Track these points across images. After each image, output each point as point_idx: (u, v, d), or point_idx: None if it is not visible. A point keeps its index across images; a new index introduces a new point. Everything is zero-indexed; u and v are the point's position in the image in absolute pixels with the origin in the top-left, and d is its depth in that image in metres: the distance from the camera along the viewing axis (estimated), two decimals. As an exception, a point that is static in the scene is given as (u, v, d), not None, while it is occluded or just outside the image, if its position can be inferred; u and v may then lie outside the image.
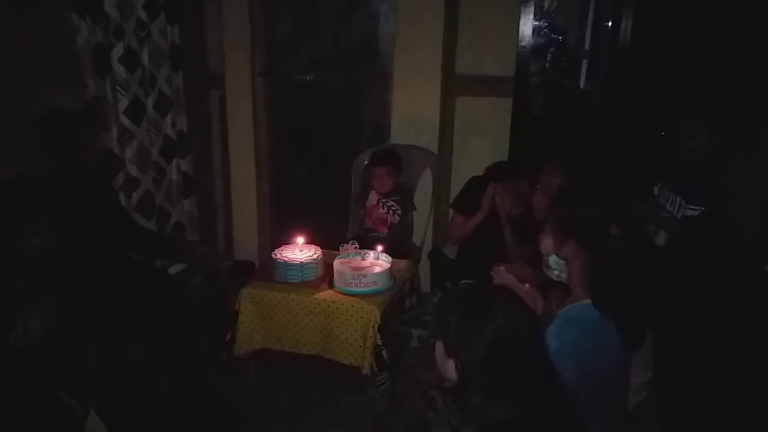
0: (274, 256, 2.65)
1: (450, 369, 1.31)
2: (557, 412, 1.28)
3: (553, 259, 2.10)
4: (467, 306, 1.33)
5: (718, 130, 2.49)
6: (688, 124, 2.54)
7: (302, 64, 3.70)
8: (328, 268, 2.60)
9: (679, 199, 2.51)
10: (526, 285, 2.01)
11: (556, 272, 2.12)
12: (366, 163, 3.25)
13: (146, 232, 2.97)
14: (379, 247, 2.67)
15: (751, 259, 2.56)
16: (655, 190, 2.68)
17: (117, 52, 2.84)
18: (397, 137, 3.42)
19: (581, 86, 3.75)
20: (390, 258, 2.62)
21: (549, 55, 3.49)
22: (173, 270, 2.90)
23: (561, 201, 2.11)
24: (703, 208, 2.43)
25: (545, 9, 3.23)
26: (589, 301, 1.67)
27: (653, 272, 1.73)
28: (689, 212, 2.45)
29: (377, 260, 2.61)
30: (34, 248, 1.92)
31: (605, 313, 1.62)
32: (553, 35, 3.46)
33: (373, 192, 3.17)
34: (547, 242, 1.96)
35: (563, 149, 3.44)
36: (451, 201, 3.21)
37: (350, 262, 2.59)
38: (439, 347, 1.34)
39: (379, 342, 2.41)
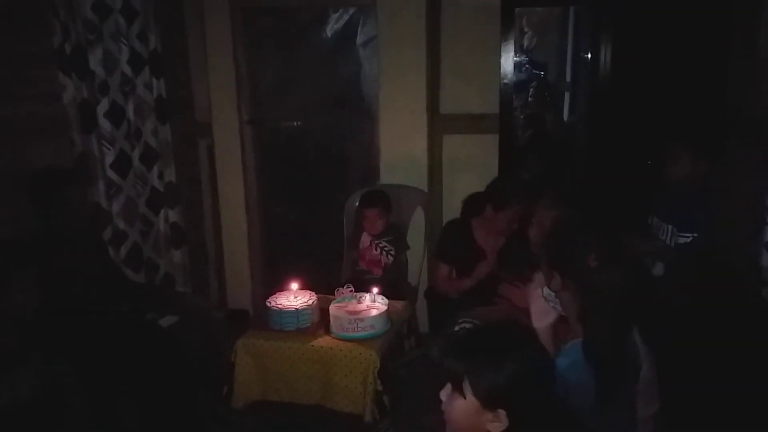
0: (268, 303, 2.60)
1: (484, 424, 1.26)
2: None
3: (546, 291, 2.12)
4: (486, 343, 1.31)
5: (701, 156, 2.52)
6: (672, 151, 2.58)
7: (289, 111, 3.73)
8: (324, 313, 2.56)
9: (670, 227, 2.53)
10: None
11: (551, 303, 2.13)
12: (356, 205, 3.25)
13: (138, 286, 2.93)
14: (375, 289, 2.64)
15: (746, 284, 2.56)
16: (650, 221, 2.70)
17: (102, 107, 2.85)
18: (386, 178, 3.44)
19: (565, 119, 3.82)
20: (386, 300, 2.59)
21: (531, 90, 3.55)
22: (165, 322, 2.85)
23: (549, 234, 2.13)
24: (695, 235, 2.44)
25: (525, 46, 3.31)
26: None
27: (645, 307, 1.71)
28: (681, 240, 2.46)
29: (373, 303, 2.58)
30: (21, 307, 1.89)
31: (591, 359, 1.60)
32: (534, 70, 3.53)
33: (365, 233, 3.15)
34: (540, 275, 1.97)
35: (551, 182, 3.47)
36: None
37: (346, 307, 2.56)
38: (465, 405, 1.27)
39: (380, 388, 2.36)
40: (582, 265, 1.75)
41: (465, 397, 1.25)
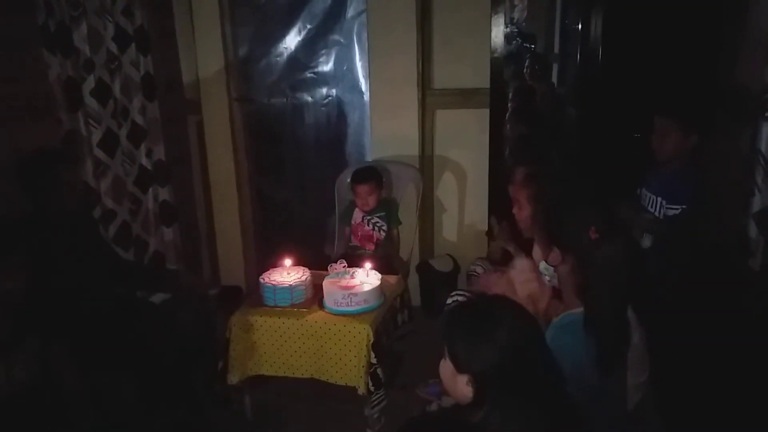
0: (262, 280, 2.62)
1: (461, 386, 1.30)
2: (571, 420, 1.29)
3: (542, 266, 2.13)
4: (474, 317, 1.33)
5: (691, 129, 2.53)
6: (661, 124, 2.58)
7: (278, 87, 3.70)
8: (318, 289, 2.58)
9: (659, 199, 2.54)
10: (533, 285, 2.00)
11: (547, 278, 2.14)
12: (348, 181, 3.25)
13: (130, 264, 2.93)
14: (368, 264, 2.65)
15: (734, 255, 2.60)
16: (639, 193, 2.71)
17: (88, 85, 2.81)
18: (378, 153, 3.43)
19: (554, 90, 3.81)
20: (379, 275, 2.61)
21: (525, 61, 3.54)
22: (156, 299, 2.85)
23: (544, 209, 2.14)
24: (683, 207, 2.46)
25: (515, 19, 3.28)
26: (581, 309, 1.68)
27: (638, 278, 1.73)
28: (670, 212, 2.48)
29: (366, 278, 2.60)
30: (11, 292, 1.88)
31: (591, 329, 1.62)
32: (524, 43, 3.51)
33: (357, 210, 3.16)
34: (536, 249, 1.98)
35: (535, 155, 3.46)
36: (435, 214, 3.18)
37: (339, 282, 2.58)
38: (447, 366, 1.32)
39: (374, 360, 2.40)
40: (583, 239, 1.76)
41: (446, 358, 1.32)
